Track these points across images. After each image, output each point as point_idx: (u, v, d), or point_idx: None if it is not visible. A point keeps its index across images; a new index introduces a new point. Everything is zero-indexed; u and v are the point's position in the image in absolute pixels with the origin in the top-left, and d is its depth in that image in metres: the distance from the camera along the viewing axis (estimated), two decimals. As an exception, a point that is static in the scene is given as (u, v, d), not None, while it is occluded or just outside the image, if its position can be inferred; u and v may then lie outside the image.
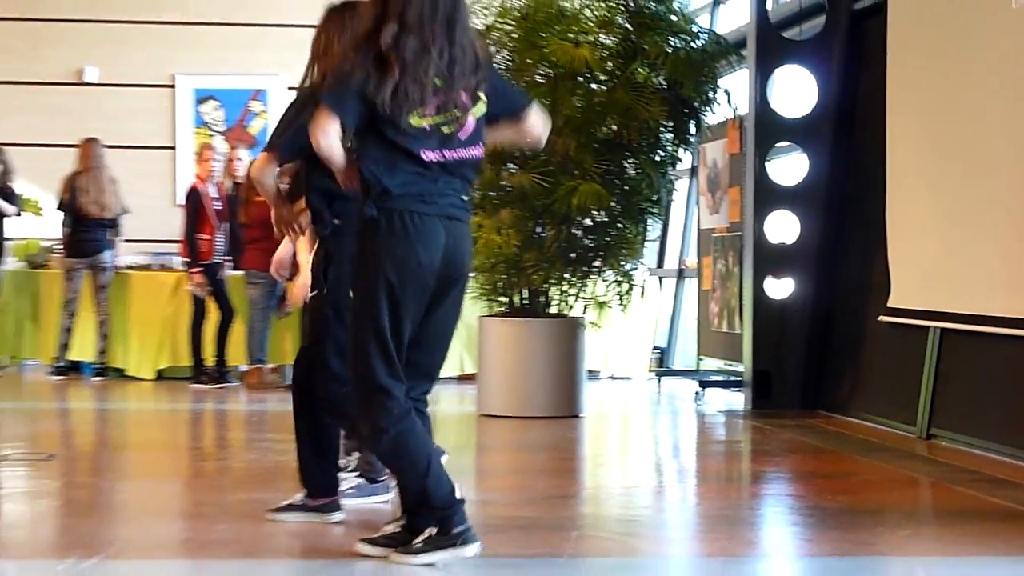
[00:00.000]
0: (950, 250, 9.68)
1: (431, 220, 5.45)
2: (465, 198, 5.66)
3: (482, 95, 5.62)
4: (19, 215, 14.62)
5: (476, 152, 5.65)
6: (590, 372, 12.29)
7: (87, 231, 14.11)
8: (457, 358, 14.32)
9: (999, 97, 9.16)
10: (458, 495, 5.47)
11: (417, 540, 5.44)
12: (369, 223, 5.43)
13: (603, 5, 11.47)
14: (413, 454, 5.47)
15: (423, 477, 5.43)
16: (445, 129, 5.50)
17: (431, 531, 5.42)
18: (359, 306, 5.54)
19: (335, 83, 5.50)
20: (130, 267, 14.78)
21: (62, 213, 14.25)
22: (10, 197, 14.82)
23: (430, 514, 5.45)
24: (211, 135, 16.93)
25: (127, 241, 14.98)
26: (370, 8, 5.47)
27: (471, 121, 5.60)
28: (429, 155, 5.44)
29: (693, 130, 11.89)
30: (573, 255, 11.54)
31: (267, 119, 17.17)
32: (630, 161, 11.43)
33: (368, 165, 5.42)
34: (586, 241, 11.58)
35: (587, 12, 11.46)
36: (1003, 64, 9.10)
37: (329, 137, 5.36)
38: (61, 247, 14.39)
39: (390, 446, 5.51)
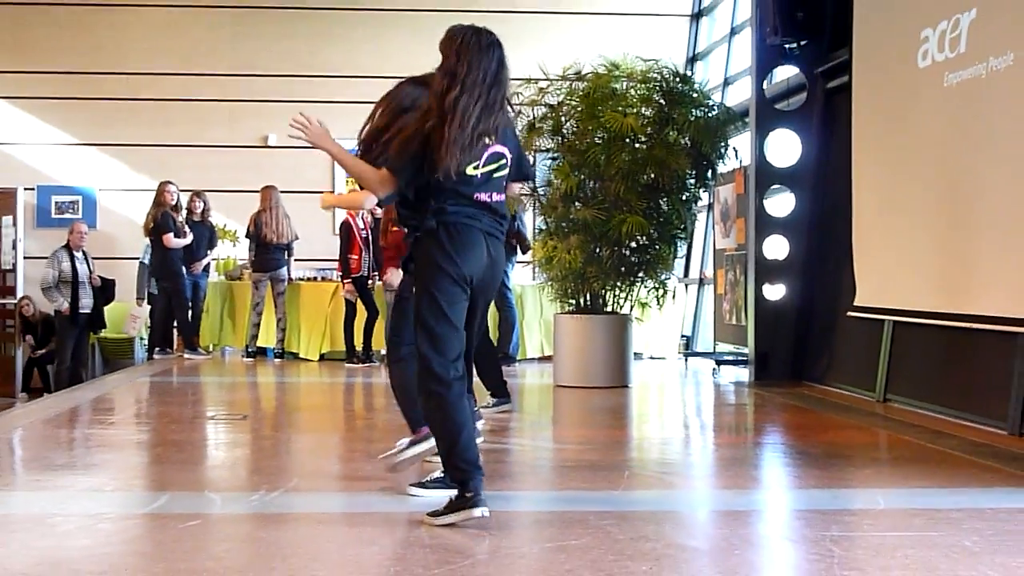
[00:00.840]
0: (899, 264, 9.62)
1: (476, 233, 5.24)
2: (501, 228, 5.42)
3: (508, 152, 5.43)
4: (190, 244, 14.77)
5: (502, 197, 5.45)
6: (636, 354, 12.26)
7: (268, 253, 14.24)
8: (539, 344, 14.35)
9: (935, 150, 9.11)
10: (480, 463, 5.16)
11: (441, 508, 5.13)
12: (428, 232, 5.21)
13: (644, 87, 11.44)
14: (451, 417, 5.13)
15: (457, 435, 5.12)
16: (495, 176, 5.34)
17: (451, 497, 5.15)
18: (419, 297, 5.24)
19: (400, 150, 5.32)
20: (301, 279, 14.89)
21: (249, 240, 14.41)
22: (209, 229, 14.97)
23: (454, 468, 5.15)
24: (357, 186, 16.95)
25: (298, 260, 15.10)
26: (439, 79, 5.26)
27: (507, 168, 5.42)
28: (482, 197, 5.28)
29: (710, 177, 11.86)
30: (623, 268, 11.52)
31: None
32: (664, 200, 11.39)
33: (429, 197, 5.24)
34: (632, 258, 11.56)
35: (632, 91, 11.43)
36: (937, 124, 9.05)
37: (382, 193, 5.34)
38: (249, 264, 14.53)
39: (433, 407, 5.20)
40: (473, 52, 5.23)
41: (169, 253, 14.39)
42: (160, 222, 14.34)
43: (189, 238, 14.55)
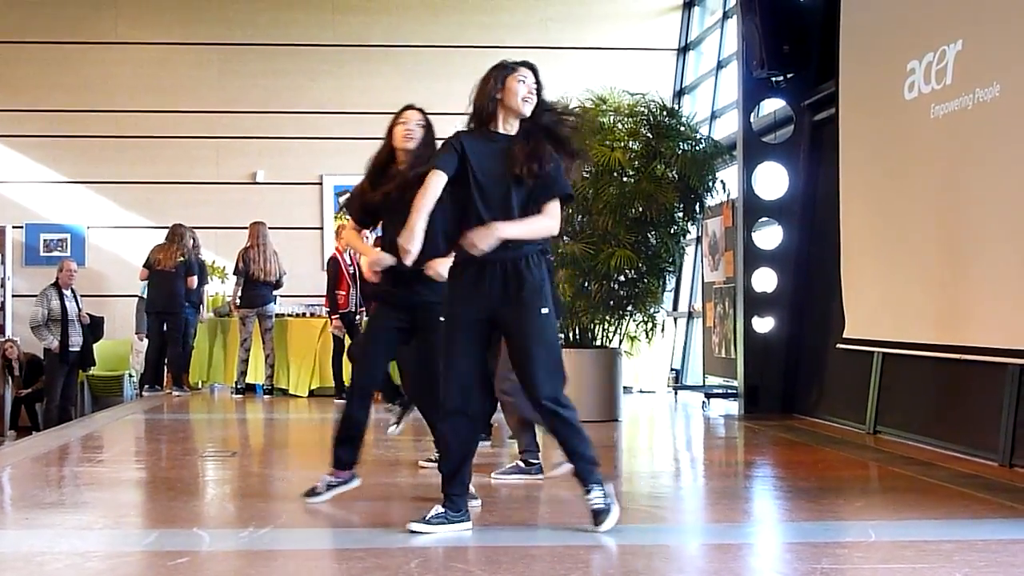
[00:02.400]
0: (887, 296, 9.64)
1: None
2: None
3: None
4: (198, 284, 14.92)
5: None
6: (625, 387, 12.26)
7: (255, 289, 14.26)
8: (528, 378, 14.32)
9: (922, 182, 9.15)
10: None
11: (429, 514, 5.45)
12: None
13: (631, 120, 11.50)
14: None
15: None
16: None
17: (439, 509, 5.43)
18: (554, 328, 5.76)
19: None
20: (289, 315, 14.89)
21: (237, 276, 14.42)
22: (199, 266, 15.01)
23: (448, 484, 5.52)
24: (347, 219, 16.97)
25: (287, 296, 15.12)
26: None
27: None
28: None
29: (698, 210, 11.88)
30: (612, 302, 11.52)
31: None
32: (652, 233, 11.41)
33: None
34: (621, 292, 11.56)
35: (619, 125, 11.48)
36: (924, 156, 9.09)
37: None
38: (238, 301, 14.53)
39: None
40: None
41: (182, 292, 14.48)
42: (193, 262, 14.56)
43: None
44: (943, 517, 6.07)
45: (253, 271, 14.20)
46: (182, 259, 14.50)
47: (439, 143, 5.85)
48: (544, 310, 5.55)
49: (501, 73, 5.66)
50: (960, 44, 8.53)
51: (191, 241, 14.76)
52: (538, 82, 5.66)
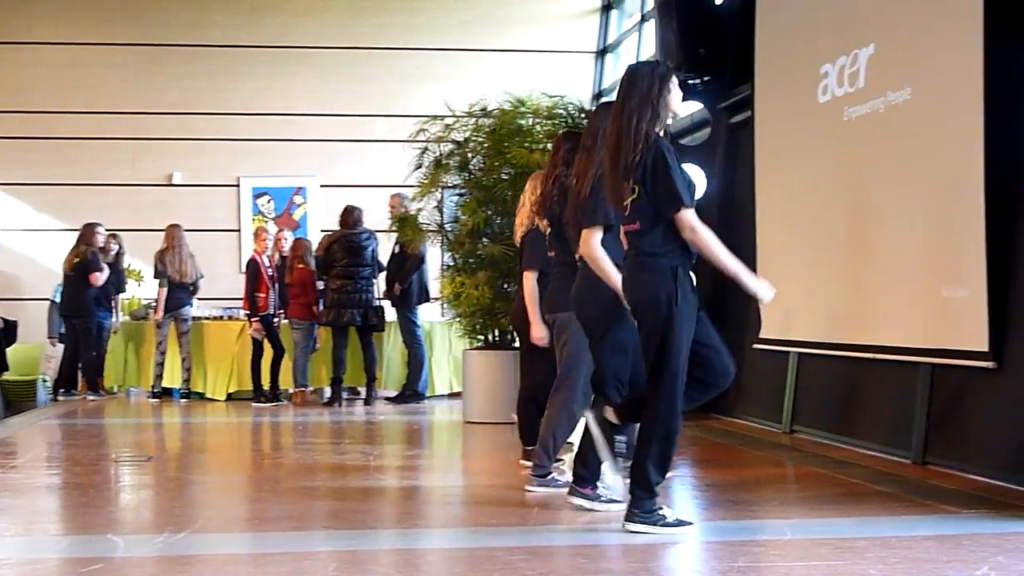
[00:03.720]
0: (802, 296, 9.72)
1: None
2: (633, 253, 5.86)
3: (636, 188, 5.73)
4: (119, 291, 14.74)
5: (635, 227, 5.79)
6: (544, 389, 12.26)
7: (172, 292, 14.09)
8: (448, 380, 14.31)
9: (835, 184, 9.24)
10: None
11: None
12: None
13: (550, 122, 11.51)
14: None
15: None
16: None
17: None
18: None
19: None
20: (207, 318, 14.74)
21: (160, 279, 14.26)
22: (118, 272, 14.84)
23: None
24: (265, 221, 16.90)
25: (204, 299, 14.97)
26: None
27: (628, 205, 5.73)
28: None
29: (616, 212, 11.91)
30: (531, 304, 11.53)
31: (306, 209, 17.18)
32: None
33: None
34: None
35: (538, 127, 11.48)
36: (837, 158, 9.18)
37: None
38: (154, 304, 14.37)
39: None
40: None
41: (85, 292, 14.24)
42: (91, 260, 14.22)
43: (106, 273, 14.47)
44: (858, 515, 6.13)
45: (170, 273, 14.05)
46: (77, 260, 14.29)
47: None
48: None
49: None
50: (872, 47, 8.63)
51: (102, 240, 14.50)
52: None
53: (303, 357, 13.40)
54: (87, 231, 14.53)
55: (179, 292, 14.14)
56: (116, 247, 14.91)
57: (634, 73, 5.79)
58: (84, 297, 14.28)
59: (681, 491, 7.51)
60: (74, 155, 17.04)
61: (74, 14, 17.23)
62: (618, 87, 5.84)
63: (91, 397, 14.21)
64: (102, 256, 14.55)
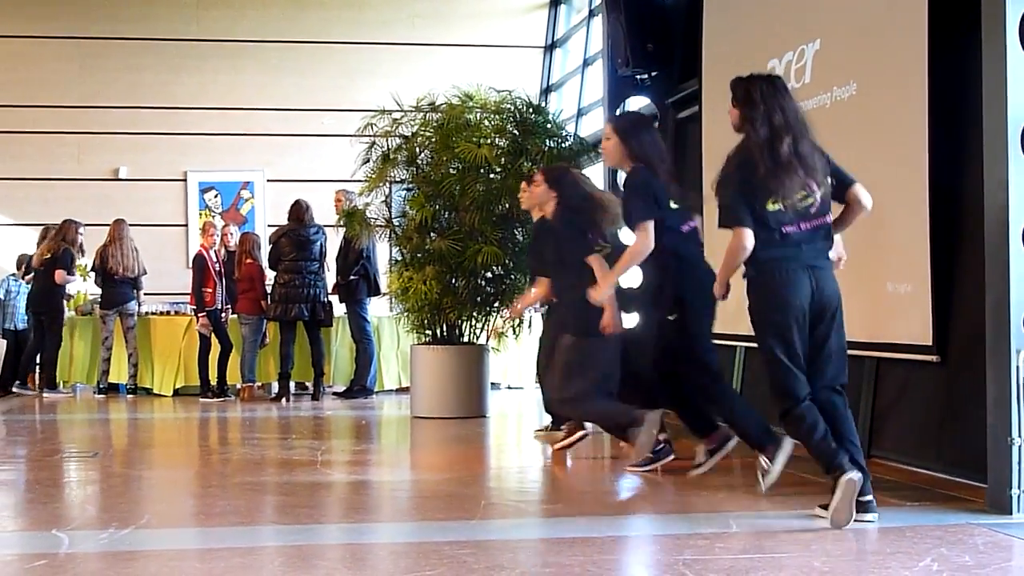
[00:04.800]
0: (745, 290, 9.76)
1: (794, 271, 5.94)
2: (822, 249, 6.02)
3: (826, 179, 5.99)
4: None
5: (827, 219, 6.00)
6: (493, 384, 12.29)
7: (115, 287, 13.97)
8: (396, 375, 14.29)
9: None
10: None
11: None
12: (752, 281, 6.20)
13: (498, 117, 11.52)
14: (806, 427, 5.86)
15: (819, 441, 5.81)
16: (800, 207, 5.90)
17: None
18: (761, 338, 6.21)
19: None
20: (154, 313, 14.65)
21: (95, 274, 14.17)
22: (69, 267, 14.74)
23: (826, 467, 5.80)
24: (212, 215, 16.84)
25: (152, 294, 14.88)
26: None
27: (819, 199, 5.94)
28: (788, 228, 5.93)
29: (564, 207, 11.94)
30: (479, 299, 11.54)
31: (253, 203, 17.13)
32: (519, 230, 11.44)
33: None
34: (488, 289, 11.59)
35: (486, 122, 11.49)
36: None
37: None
38: (100, 299, 14.28)
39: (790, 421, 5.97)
40: None
41: (56, 288, 14.14)
42: (62, 257, 14.09)
43: (76, 278, 14.37)
44: (802, 507, 6.18)
45: (112, 268, 13.93)
46: (48, 256, 14.19)
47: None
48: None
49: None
50: (818, 43, 8.69)
51: (77, 237, 14.40)
52: None
53: (251, 352, 13.34)
54: (67, 227, 14.39)
55: (123, 287, 14.03)
56: (76, 237, 14.74)
57: None
58: (54, 292, 14.18)
59: (627, 485, 7.55)
60: (19, 149, 16.89)
61: (18, 7, 17.05)
62: None
63: (47, 394, 14.08)
64: (78, 256, 14.44)
